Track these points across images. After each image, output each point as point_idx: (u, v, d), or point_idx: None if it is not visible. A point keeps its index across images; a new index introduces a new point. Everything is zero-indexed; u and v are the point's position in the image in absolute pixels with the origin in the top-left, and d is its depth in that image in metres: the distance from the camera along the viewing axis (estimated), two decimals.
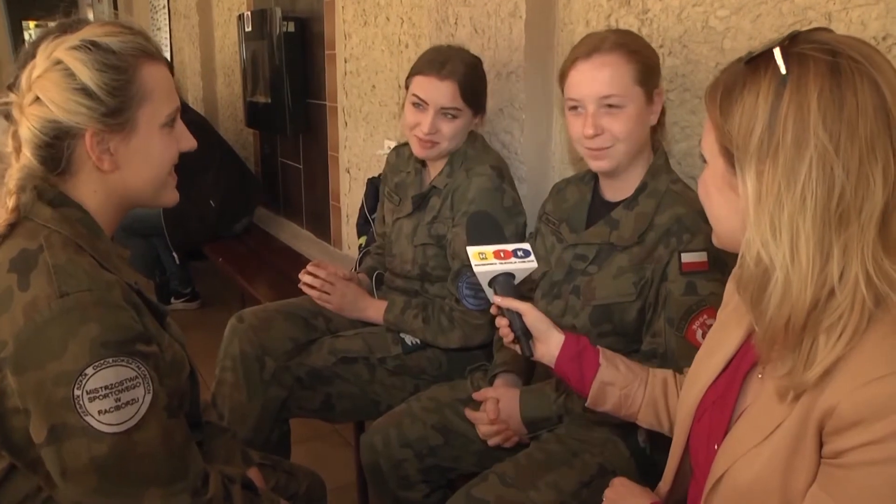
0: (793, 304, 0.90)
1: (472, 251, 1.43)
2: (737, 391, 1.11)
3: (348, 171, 3.69)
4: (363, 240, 2.94)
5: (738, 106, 0.93)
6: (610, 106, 1.61)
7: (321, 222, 4.10)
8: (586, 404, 1.41)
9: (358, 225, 3.07)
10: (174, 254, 4.37)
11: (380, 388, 2.11)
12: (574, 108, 1.66)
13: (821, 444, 0.93)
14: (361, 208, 3.04)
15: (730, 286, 1.25)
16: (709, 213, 1.08)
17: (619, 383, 1.39)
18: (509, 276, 1.43)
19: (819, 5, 1.54)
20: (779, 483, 0.97)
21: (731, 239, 1.05)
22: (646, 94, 1.63)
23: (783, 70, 0.90)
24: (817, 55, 0.90)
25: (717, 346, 1.19)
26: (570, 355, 1.39)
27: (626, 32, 1.69)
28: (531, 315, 1.40)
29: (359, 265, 2.71)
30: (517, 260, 1.43)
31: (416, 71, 2.06)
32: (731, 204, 0.99)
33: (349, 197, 3.71)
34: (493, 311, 1.45)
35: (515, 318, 1.40)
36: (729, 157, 0.96)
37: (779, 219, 0.89)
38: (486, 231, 1.50)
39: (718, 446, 1.10)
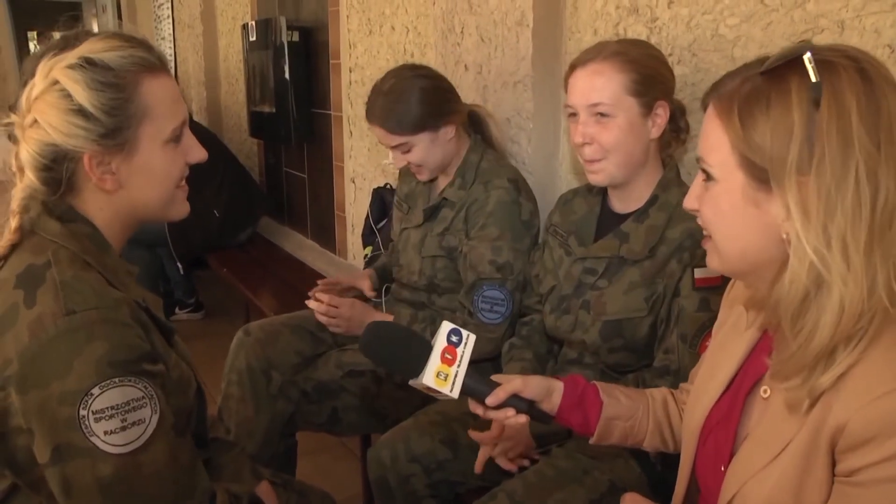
0: (846, 313, 0.88)
1: (429, 378, 1.22)
2: (739, 411, 1.09)
3: (353, 181, 3.67)
4: (369, 250, 2.93)
5: (764, 118, 0.90)
6: (600, 115, 1.60)
7: (326, 232, 4.09)
8: (591, 441, 1.35)
9: (363, 235, 3.06)
10: (178, 264, 4.36)
11: (387, 401, 2.09)
12: (572, 115, 1.67)
13: (833, 463, 0.92)
14: (367, 218, 3.03)
15: (725, 306, 1.24)
16: (717, 232, 1.02)
17: (623, 416, 1.34)
18: (471, 370, 1.25)
19: (831, 13, 1.52)
20: (792, 501, 0.95)
21: (739, 259, 1.01)
22: (642, 106, 1.61)
23: (814, 78, 0.88)
24: (843, 61, 0.89)
25: (718, 368, 1.16)
26: (571, 404, 1.32)
27: (633, 42, 1.68)
28: (529, 386, 1.28)
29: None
30: (461, 345, 1.25)
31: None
32: (753, 220, 0.96)
33: (354, 207, 3.70)
34: (492, 403, 1.27)
35: (515, 401, 1.27)
36: (753, 170, 0.93)
37: (831, 228, 0.87)
38: (397, 350, 1.27)
39: (725, 468, 1.08)
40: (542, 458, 1.69)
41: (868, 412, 0.86)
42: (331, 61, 3.72)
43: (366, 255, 2.94)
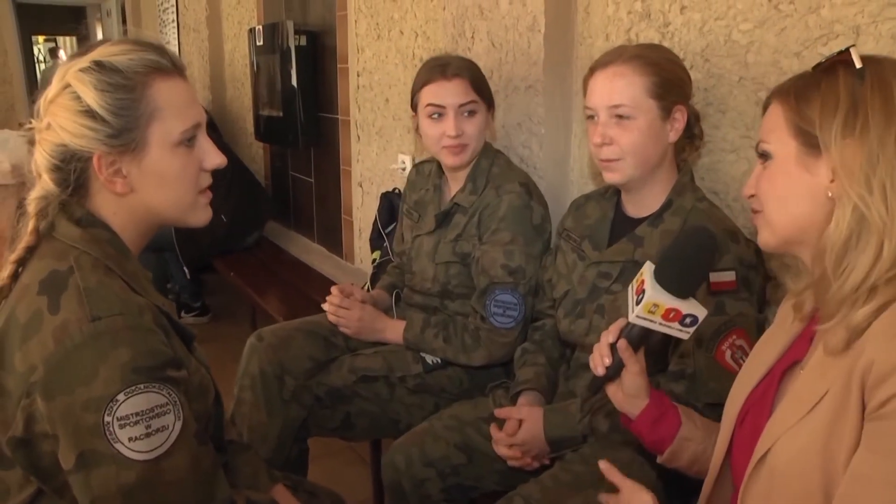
0: (885, 252, 0.97)
1: (648, 299, 1.22)
2: (775, 389, 1.14)
3: (361, 186, 3.68)
4: (377, 254, 2.93)
5: (815, 95, 1.04)
6: (620, 117, 1.61)
7: (333, 236, 4.09)
8: (659, 460, 1.35)
9: (371, 240, 3.07)
10: (185, 268, 4.36)
11: (400, 406, 2.09)
12: (590, 117, 1.67)
13: (864, 408, 0.94)
14: (375, 223, 3.04)
15: (780, 312, 1.26)
16: (769, 206, 1.12)
17: (696, 438, 1.33)
18: (650, 331, 1.27)
19: (846, 18, 1.52)
20: (820, 456, 0.97)
21: (791, 227, 1.10)
22: (661, 109, 1.62)
23: (858, 64, 1.02)
24: (880, 56, 1.05)
25: (760, 360, 1.20)
26: (649, 421, 1.33)
27: (653, 46, 1.69)
28: (631, 373, 1.29)
29: (372, 281, 2.70)
30: (678, 327, 1.25)
31: (421, 84, 2.07)
32: (804, 185, 1.07)
33: (362, 211, 3.70)
34: (610, 337, 1.30)
35: (617, 366, 1.29)
36: (805, 137, 1.05)
37: (873, 179, 0.98)
38: (686, 273, 1.24)
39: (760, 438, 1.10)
40: (556, 462, 1.70)
41: (893, 345, 0.92)
42: (338, 65, 3.73)
43: (374, 259, 2.94)
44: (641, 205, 1.72)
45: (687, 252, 1.24)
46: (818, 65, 1.09)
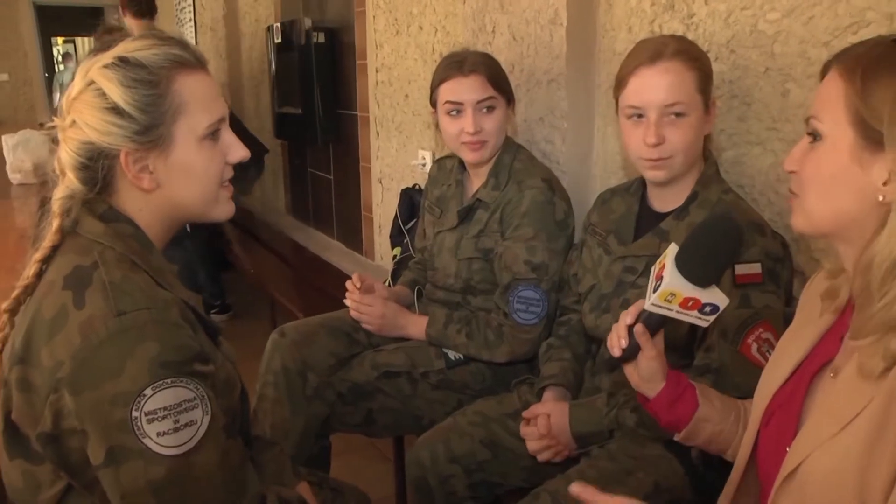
0: None
1: (665, 288, 1.20)
2: (804, 391, 1.08)
3: (380, 182, 3.67)
4: (398, 250, 2.92)
5: (888, 81, 0.92)
6: (674, 115, 1.58)
7: (352, 233, 4.09)
8: (677, 438, 1.34)
9: (392, 236, 3.06)
10: (204, 266, 4.35)
11: (422, 402, 2.08)
12: (633, 115, 1.63)
13: None
14: (395, 219, 3.03)
15: (803, 298, 1.23)
16: (809, 192, 1.04)
17: (713, 419, 1.31)
18: (668, 319, 1.25)
19: (879, 5, 1.49)
20: (856, 476, 0.92)
21: (829, 220, 1.02)
22: (704, 103, 1.60)
23: None
24: None
25: (787, 355, 1.16)
26: (666, 401, 1.30)
27: (684, 39, 1.66)
28: (647, 357, 1.26)
29: (393, 277, 2.69)
30: (697, 315, 1.22)
31: (438, 81, 2.06)
32: (852, 181, 0.97)
33: (381, 207, 3.69)
34: (628, 319, 1.27)
35: (634, 348, 1.27)
36: (867, 130, 0.94)
37: None
38: (708, 261, 1.20)
39: (789, 449, 1.06)
40: (582, 458, 1.68)
41: None
42: (357, 62, 3.72)
43: (394, 255, 2.93)
44: (668, 199, 1.70)
45: (710, 240, 1.20)
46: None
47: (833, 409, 0.99)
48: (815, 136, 1.02)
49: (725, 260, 1.24)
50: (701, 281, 1.19)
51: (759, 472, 1.19)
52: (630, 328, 1.27)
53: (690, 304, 1.20)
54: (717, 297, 1.21)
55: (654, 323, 1.25)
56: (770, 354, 1.30)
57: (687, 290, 1.19)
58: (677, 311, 1.22)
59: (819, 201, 1.02)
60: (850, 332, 1.02)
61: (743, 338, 1.50)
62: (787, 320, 1.49)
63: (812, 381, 1.09)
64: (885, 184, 0.92)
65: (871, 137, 0.93)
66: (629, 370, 1.33)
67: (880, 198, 0.93)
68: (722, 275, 1.24)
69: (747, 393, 1.28)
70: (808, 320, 1.15)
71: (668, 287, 1.19)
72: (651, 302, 1.22)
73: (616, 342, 1.28)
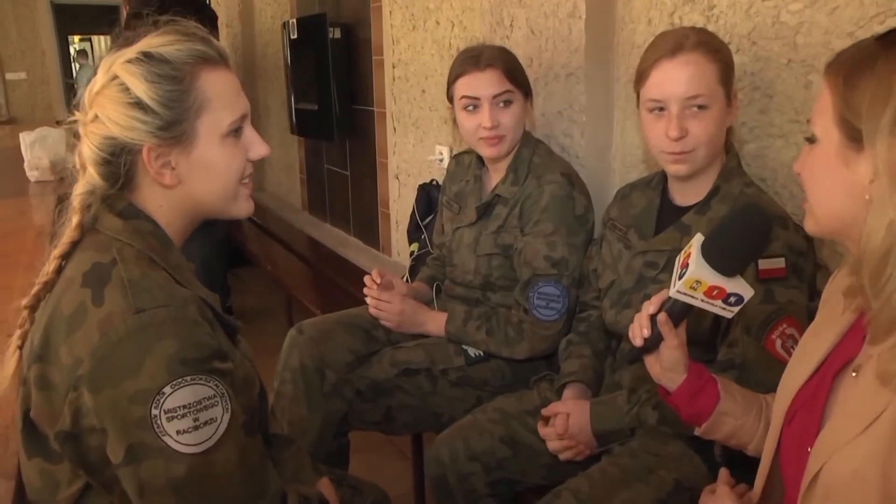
0: None
1: (690, 276, 1.19)
2: (827, 390, 1.06)
3: (397, 178, 3.66)
4: (415, 246, 2.91)
5: (868, 78, 0.92)
6: (697, 107, 1.55)
7: (369, 229, 4.08)
8: (697, 432, 1.32)
9: (409, 232, 3.05)
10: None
11: (442, 399, 2.07)
12: (655, 109, 1.61)
13: None
14: (413, 215, 3.02)
15: (825, 295, 1.21)
16: (811, 195, 1.05)
17: (735, 413, 1.30)
18: (692, 307, 1.25)
19: None
20: (879, 477, 0.91)
21: (832, 220, 1.02)
22: (726, 95, 1.58)
23: None
24: None
25: (809, 352, 1.14)
26: (688, 393, 1.29)
27: (704, 31, 1.64)
28: (669, 346, 1.26)
29: (411, 273, 2.68)
30: (720, 304, 1.21)
31: (454, 76, 2.05)
32: (841, 181, 0.97)
33: (398, 203, 3.68)
34: (651, 308, 1.27)
35: (657, 338, 1.26)
36: (849, 129, 0.94)
37: None
38: (736, 251, 1.20)
39: (811, 448, 1.04)
40: (603, 456, 1.67)
41: None
42: (373, 57, 3.71)
43: (412, 251, 2.92)
44: (689, 192, 1.68)
45: (738, 230, 1.20)
46: (881, 35, 0.95)
47: (853, 410, 0.98)
48: (811, 139, 1.03)
49: (753, 252, 1.23)
50: (727, 270, 1.19)
51: (782, 471, 1.17)
52: (653, 318, 1.26)
53: (715, 293, 1.20)
54: (742, 287, 1.20)
55: (678, 312, 1.25)
56: (794, 350, 1.28)
57: (712, 278, 1.19)
58: (702, 300, 1.21)
59: (819, 203, 1.04)
60: (868, 336, 1.01)
61: (767, 333, 1.48)
62: (811, 315, 1.48)
63: (835, 380, 1.07)
64: (871, 182, 0.92)
65: (853, 137, 0.94)
66: (650, 361, 1.31)
67: (866, 196, 0.93)
68: (748, 266, 1.23)
69: (771, 389, 1.26)
70: (831, 318, 1.13)
71: (694, 275, 1.19)
72: (676, 289, 1.22)
73: (638, 332, 1.28)
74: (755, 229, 1.20)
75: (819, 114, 1.00)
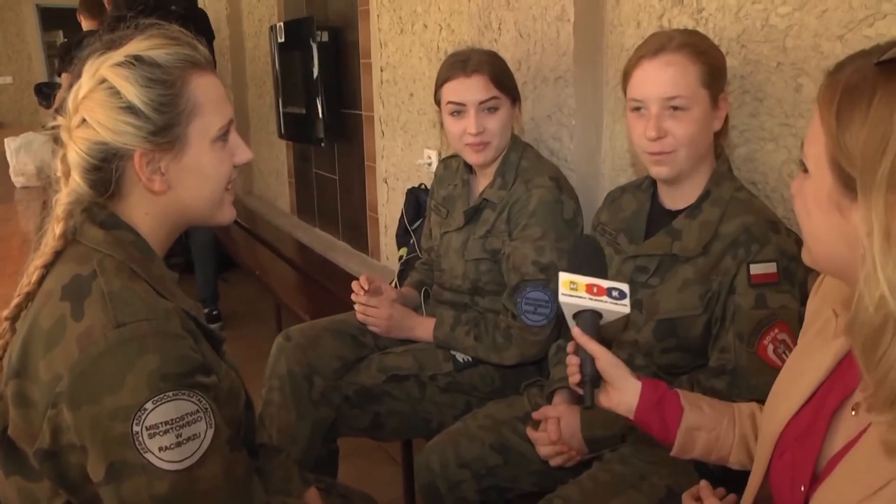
0: None
1: (563, 278, 1.29)
2: (824, 428, 1.00)
3: (386, 182, 3.64)
4: (404, 251, 2.90)
5: (862, 118, 0.81)
6: (674, 108, 1.54)
7: (358, 233, 4.06)
8: (672, 453, 1.29)
9: (398, 236, 3.03)
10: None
11: (430, 405, 2.06)
12: (636, 108, 1.60)
13: None
14: (401, 219, 3.00)
15: (814, 304, 1.16)
16: (804, 230, 0.97)
17: (706, 426, 1.26)
18: (596, 314, 1.29)
19: None
20: None
21: (827, 262, 0.94)
22: (711, 98, 1.56)
23: None
24: None
25: (800, 374, 1.08)
26: (650, 404, 1.26)
27: (694, 32, 1.63)
28: (604, 359, 1.26)
29: (399, 278, 2.66)
30: (609, 300, 1.28)
31: (441, 81, 2.03)
32: (836, 227, 0.88)
33: (387, 207, 3.67)
34: (569, 348, 1.31)
35: (588, 361, 1.26)
36: (842, 175, 0.84)
37: None
38: (586, 258, 1.36)
39: (806, 489, 1.00)
40: (594, 463, 1.65)
41: None
42: (361, 61, 3.70)
43: (400, 256, 2.90)
44: (679, 196, 1.66)
45: (584, 253, 1.38)
46: (883, 57, 0.81)
47: (857, 471, 0.91)
48: (805, 168, 0.93)
49: (592, 258, 1.38)
50: (589, 272, 1.31)
51: (773, 495, 1.12)
52: (577, 349, 1.28)
53: (595, 290, 1.29)
54: (615, 282, 1.31)
55: (588, 322, 1.29)
56: (787, 356, 1.26)
57: (584, 278, 1.30)
58: (590, 299, 1.28)
59: (815, 242, 0.95)
60: (865, 406, 0.92)
61: (759, 339, 1.47)
62: (803, 320, 1.47)
63: (832, 416, 1.00)
64: (867, 235, 0.79)
65: (847, 184, 0.83)
66: (604, 397, 1.30)
67: (861, 251, 0.81)
68: (598, 269, 1.35)
69: (763, 395, 1.24)
70: (823, 338, 1.06)
71: (566, 277, 1.30)
72: (561, 293, 1.29)
73: (574, 369, 1.29)
74: (596, 253, 1.40)
75: (811, 143, 0.91)
